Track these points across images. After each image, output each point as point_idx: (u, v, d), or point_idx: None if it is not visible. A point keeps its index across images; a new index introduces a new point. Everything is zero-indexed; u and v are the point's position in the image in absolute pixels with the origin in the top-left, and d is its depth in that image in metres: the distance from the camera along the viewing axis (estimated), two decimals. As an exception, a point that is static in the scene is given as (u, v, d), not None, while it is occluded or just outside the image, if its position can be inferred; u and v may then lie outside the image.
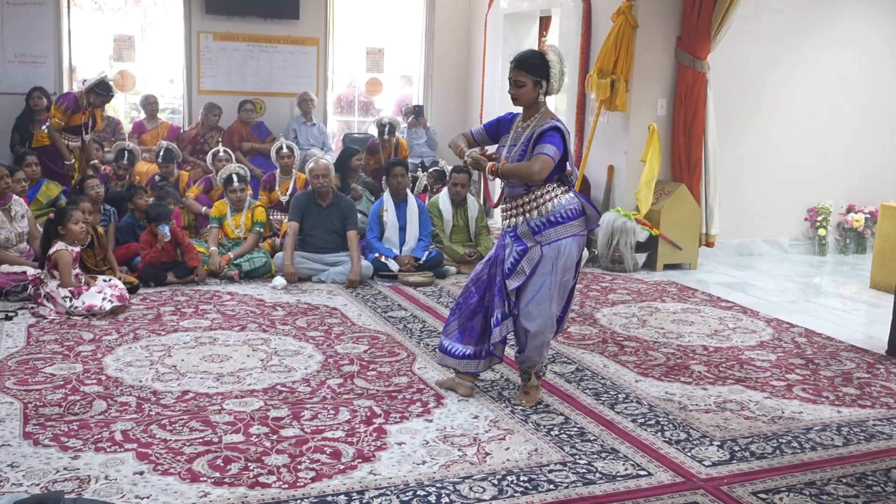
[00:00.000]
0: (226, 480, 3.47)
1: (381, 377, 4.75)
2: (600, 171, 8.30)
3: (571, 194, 4.30)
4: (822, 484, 3.66)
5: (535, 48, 4.40)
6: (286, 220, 7.60)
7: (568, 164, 4.30)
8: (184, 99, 10.14)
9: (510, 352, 4.76)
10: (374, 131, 10.11)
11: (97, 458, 3.61)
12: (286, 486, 3.44)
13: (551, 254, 4.20)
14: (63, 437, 3.80)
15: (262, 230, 7.28)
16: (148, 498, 3.31)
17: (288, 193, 8.17)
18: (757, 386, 4.85)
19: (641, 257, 7.82)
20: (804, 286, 7.64)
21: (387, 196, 7.42)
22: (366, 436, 3.95)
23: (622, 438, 4.05)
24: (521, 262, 4.22)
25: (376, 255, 7.13)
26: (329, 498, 3.36)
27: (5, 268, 6.12)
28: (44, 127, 7.81)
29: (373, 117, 11.59)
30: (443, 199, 7.67)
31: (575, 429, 4.14)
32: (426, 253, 7.24)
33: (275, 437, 3.90)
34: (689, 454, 3.90)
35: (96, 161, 7.78)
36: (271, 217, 7.87)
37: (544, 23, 10.22)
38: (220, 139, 9.20)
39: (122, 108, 10.70)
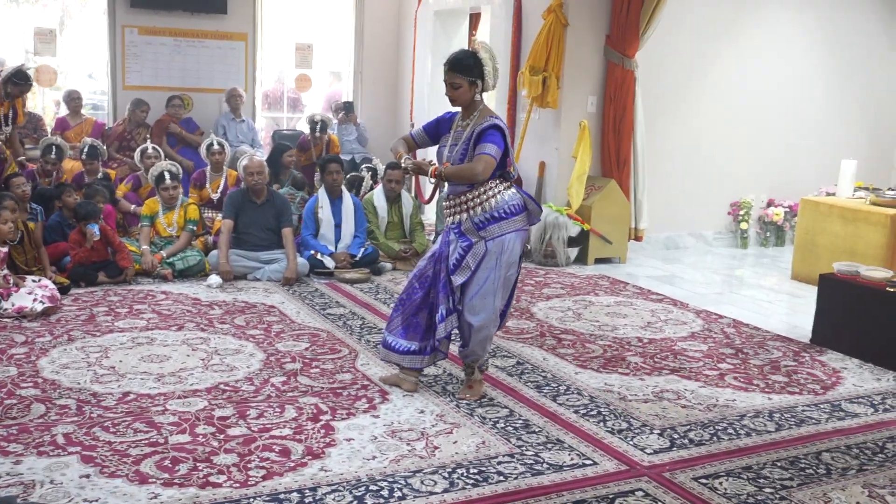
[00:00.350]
0: (175, 481, 3.44)
1: (324, 374, 4.75)
2: (532, 168, 8.42)
3: (513, 190, 4.38)
4: (758, 468, 3.81)
5: (466, 47, 4.43)
6: (218, 218, 7.53)
7: (509, 160, 4.37)
8: (108, 95, 9.91)
9: (453, 348, 4.81)
10: (304, 128, 10.04)
11: (40, 463, 3.54)
12: (238, 485, 3.43)
13: (495, 249, 4.27)
14: (2, 442, 3.71)
15: (195, 228, 7.18)
16: (97, 501, 3.26)
17: (219, 191, 8.07)
18: (691, 375, 5.01)
19: (573, 252, 7.96)
20: (729, 278, 7.89)
21: (322, 193, 7.40)
22: (314, 433, 3.96)
23: (566, 429, 4.14)
24: (467, 258, 4.27)
25: (312, 252, 7.11)
26: (282, 496, 3.36)
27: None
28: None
29: (301, 114, 11.51)
30: (377, 195, 7.68)
31: (520, 421, 4.22)
32: (362, 250, 7.25)
33: (222, 436, 3.88)
34: (631, 443, 4.02)
35: (23, 158, 7.55)
36: (203, 215, 7.76)
37: (474, 20, 10.31)
38: (147, 136, 9.03)
39: (41, 104, 10.38)
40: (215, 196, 8.03)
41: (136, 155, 8.16)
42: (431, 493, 3.43)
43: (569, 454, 3.86)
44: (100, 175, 7.78)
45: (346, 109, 10.48)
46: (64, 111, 9.49)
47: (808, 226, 7.64)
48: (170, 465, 3.56)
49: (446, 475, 3.59)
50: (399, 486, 3.48)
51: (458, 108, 4.44)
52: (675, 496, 3.50)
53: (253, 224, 6.94)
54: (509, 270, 4.36)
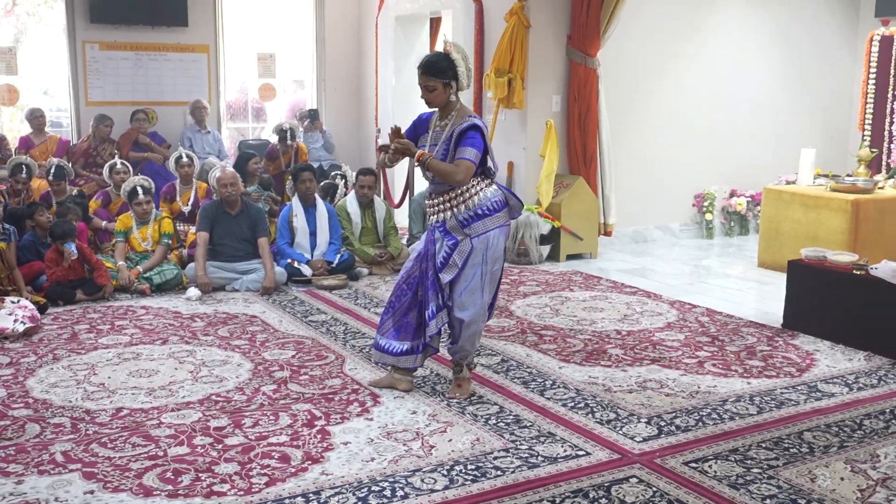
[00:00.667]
0: (180, 492, 3.48)
1: (313, 381, 4.81)
2: (500, 168, 8.51)
3: (495, 187, 4.48)
4: (744, 450, 3.94)
5: (439, 49, 4.50)
6: (192, 231, 7.54)
7: (489, 157, 4.47)
8: (71, 111, 9.85)
9: (442, 349, 4.88)
10: (272, 137, 10.06)
11: (42, 481, 3.56)
12: (242, 492, 3.49)
13: (481, 246, 4.38)
14: (2, 464, 3.72)
15: (169, 242, 7.18)
16: (104, 516, 3.30)
17: (190, 203, 8.07)
18: (671, 364, 5.14)
19: (545, 249, 8.09)
20: (697, 268, 8.07)
21: (295, 201, 7.44)
22: (310, 438, 4.02)
23: (556, 422, 4.24)
24: (453, 256, 4.37)
25: (289, 260, 7.15)
26: (287, 500, 3.42)
27: None
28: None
29: (265, 123, 11.52)
30: (350, 201, 7.74)
31: (511, 416, 4.31)
32: (338, 256, 7.31)
33: (220, 446, 3.93)
34: (620, 432, 4.13)
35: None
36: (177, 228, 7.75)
37: (435, 24, 10.40)
38: (114, 151, 9.00)
39: (5, 124, 10.28)
40: (186, 209, 8.02)
41: (105, 171, 8.12)
42: (433, 491, 3.51)
43: (562, 446, 3.96)
44: (75, 192, 7.74)
45: (312, 117, 10.51)
46: (23, 130, 9.41)
47: (771, 214, 7.84)
48: (172, 477, 3.61)
49: (445, 472, 3.67)
50: (400, 485, 3.56)
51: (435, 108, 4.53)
52: (668, 481, 3.62)
53: (228, 235, 6.97)
54: (495, 265, 4.47)
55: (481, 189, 4.40)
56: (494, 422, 4.24)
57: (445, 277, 4.39)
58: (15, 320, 5.55)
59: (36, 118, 9.19)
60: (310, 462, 3.76)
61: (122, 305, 6.41)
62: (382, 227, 7.78)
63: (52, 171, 7.77)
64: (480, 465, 3.75)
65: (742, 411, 4.41)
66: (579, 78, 8.18)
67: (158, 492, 3.48)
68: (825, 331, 5.66)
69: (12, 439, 3.99)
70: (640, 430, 4.15)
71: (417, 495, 3.47)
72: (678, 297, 6.81)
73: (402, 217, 9.46)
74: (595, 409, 4.42)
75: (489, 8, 8.59)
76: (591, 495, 3.49)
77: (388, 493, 3.49)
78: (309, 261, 7.22)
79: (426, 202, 4.57)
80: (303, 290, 6.90)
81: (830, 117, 10.23)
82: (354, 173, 8.07)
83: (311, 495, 3.46)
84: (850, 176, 7.79)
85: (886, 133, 8.54)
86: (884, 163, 8.46)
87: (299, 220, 7.35)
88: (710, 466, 3.77)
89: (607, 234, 8.54)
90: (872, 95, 8.65)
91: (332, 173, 8.93)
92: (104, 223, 7.65)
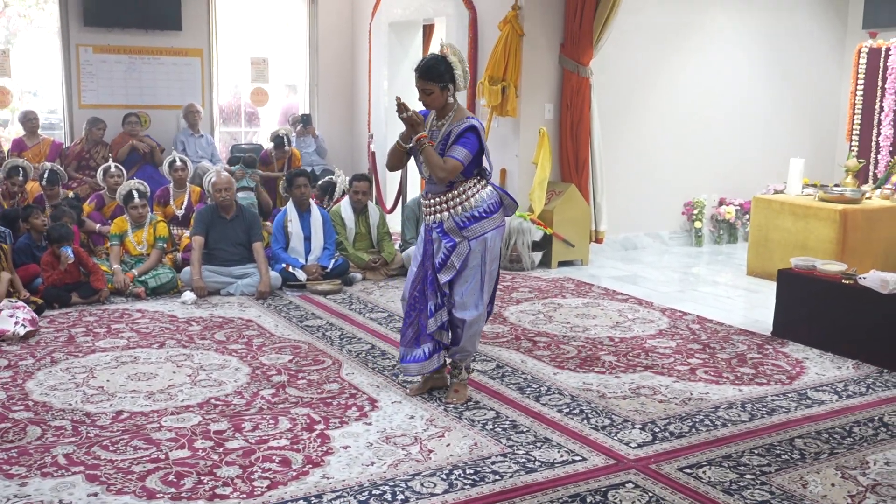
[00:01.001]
0: (182, 495, 3.52)
1: (311, 385, 4.85)
2: (493, 175, 8.57)
3: (490, 188, 4.56)
4: (737, 456, 4.02)
5: (436, 52, 4.57)
6: (186, 235, 7.57)
7: (485, 158, 4.53)
8: (64, 114, 9.85)
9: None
10: (268, 144, 10.10)
11: (46, 484, 3.60)
12: (244, 495, 3.53)
13: (479, 247, 4.46)
14: (5, 466, 3.75)
15: (164, 245, 7.21)
16: (109, 518, 3.33)
17: (183, 207, 8.10)
18: (664, 371, 5.22)
19: (538, 256, 8.16)
20: (687, 276, 8.16)
21: (290, 206, 7.49)
22: (310, 442, 4.06)
23: (552, 428, 4.31)
24: (451, 258, 4.45)
25: (283, 265, 7.19)
26: (289, 503, 3.47)
27: None
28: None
29: (258, 128, 11.55)
30: (344, 207, 7.79)
31: (507, 422, 4.37)
32: (332, 261, 7.35)
33: (221, 449, 3.97)
34: (615, 438, 4.20)
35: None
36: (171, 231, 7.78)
37: (428, 31, 10.47)
38: (107, 154, 9.01)
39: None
40: (180, 212, 8.06)
41: (99, 174, 8.14)
42: (433, 495, 3.56)
43: (558, 451, 4.02)
44: (70, 195, 7.76)
45: (304, 122, 10.55)
46: (13, 132, 9.40)
47: (760, 223, 7.94)
48: (175, 480, 3.65)
49: (444, 477, 3.73)
50: (401, 489, 3.61)
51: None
52: (663, 486, 3.69)
53: (223, 239, 7.00)
54: (492, 265, 4.56)
55: (478, 191, 4.48)
56: (491, 427, 4.30)
57: (443, 278, 4.47)
58: (16, 323, 5.56)
59: (29, 120, 9.19)
60: (311, 466, 3.81)
61: (118, 309, 6.43)
62: (376, 233, 7.83)
63: (46, 175, 7.77)
64: (479, 469, 3.81)
65: (734, 418, 4.49)
66: (572, 86, 8.27)
67: (162, 494, 3.52)
68: (814, 339, 5.75)
69: (14, 441, 4.02)
70: (635, 436, 4.22)
71: (418, 499, 3.52)
72: (669, 304, 6.89)
73: (394, 223, 9.51)
74: (590, 415, 4.49)
75: (483, 16, 8.67)
76: (588, 500, 3.56)
77: (388, 496, 3.54)
78: (303, 266, 7.26)
79: (423, 202, 4.63)
80: (297, 295, 6.94)
81: (818, 127, 10.36)
82: (348, 179, 8.13)
83: (313, 498, 3.51)
84: (838, 186, 7.90)
85: (874, 144, 8.67)
86: (871, 173, 8.58)
87: (294, 226, 7.39)
88: (703, 472, 3.84)
89: (598, 241, 8.62)
90: (860, 106, 8.79)
91: (327, 177, 8.97)
92: (98, 226, 7.66)
